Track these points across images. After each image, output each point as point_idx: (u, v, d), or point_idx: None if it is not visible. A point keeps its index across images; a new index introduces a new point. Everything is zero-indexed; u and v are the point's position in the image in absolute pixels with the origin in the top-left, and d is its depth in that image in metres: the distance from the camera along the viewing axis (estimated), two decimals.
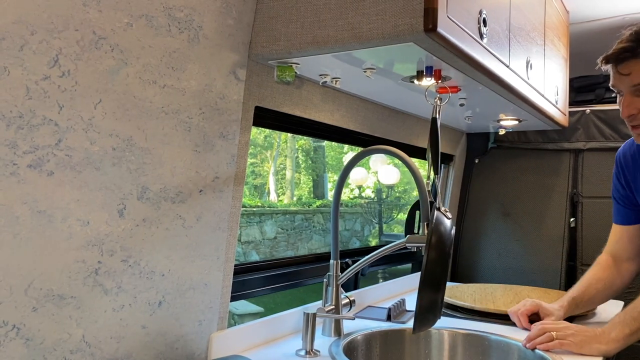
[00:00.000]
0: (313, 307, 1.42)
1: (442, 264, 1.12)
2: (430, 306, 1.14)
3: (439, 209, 1.16)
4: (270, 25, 1.11)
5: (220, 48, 1.07)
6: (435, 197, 1.19)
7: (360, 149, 1.53)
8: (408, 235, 1.30)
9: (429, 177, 1.22)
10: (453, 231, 1.16)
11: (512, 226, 2.37)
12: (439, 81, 1.22)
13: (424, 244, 1.13)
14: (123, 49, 0.89)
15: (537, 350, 1.30)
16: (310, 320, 1.26)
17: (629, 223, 1.58)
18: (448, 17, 0.98)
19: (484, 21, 1.16)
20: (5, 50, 0.74)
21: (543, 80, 1.70)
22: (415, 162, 1.40)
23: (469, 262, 2.45)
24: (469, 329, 1.49)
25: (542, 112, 1.74)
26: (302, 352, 1.26)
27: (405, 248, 1.32)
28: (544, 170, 2.35)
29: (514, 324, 1.56)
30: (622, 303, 1.94)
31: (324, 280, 1.44)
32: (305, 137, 10.93)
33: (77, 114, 0.84)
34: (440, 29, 0.95)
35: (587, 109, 2.29)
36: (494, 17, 1.23)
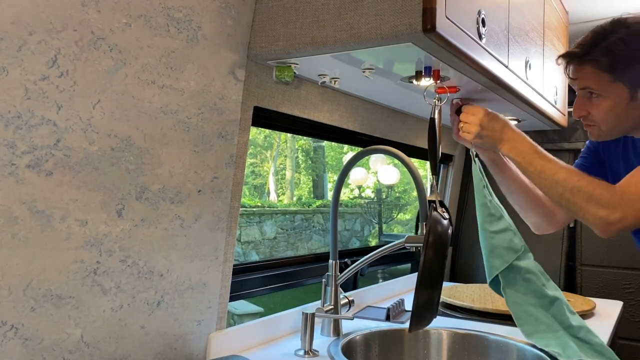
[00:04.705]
0: (312, 307, 1.42)
1: (439, 263, 1.13)
2: (427, 305, 1.15)
3: (436, 209, 1.16)
4: (269, 26, 1.11)
5: (219, 48, 1.07)
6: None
7: (359, 149, 1.53)
8: (407, 235, 1.31)
9: (435, 173, 1.21)
10: (450, 231, 1.17)
11: None
12: (438, 81, 1.22)
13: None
14: (122, 49, 0.89)
15: (537, 351, 1.30)
16: (309, 320, 1.26)
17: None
18: (447, 17, 0.98)
19: (483, 21, 1.16)
20: (3, 50, 0.74)
21: (542, 81, 1.70)
22: (415, 162, 1.40)
23: (468, 262, 2.45)
24: (468, 329, 1.49)
25: (541, 112, 1.74)
26: (301, 352, 1.26)
27: (404, 248, 1.32)
28: None
29: (513, 324, 1.56)
30: (621, 303, 1.94)
31: (323, 280, 1.44)
32: (304, 137, 10.93)
33: (76, 114, 0.84)
34: (438, 30, 0.95)
35: None
36: (492, 17, 1.23)
